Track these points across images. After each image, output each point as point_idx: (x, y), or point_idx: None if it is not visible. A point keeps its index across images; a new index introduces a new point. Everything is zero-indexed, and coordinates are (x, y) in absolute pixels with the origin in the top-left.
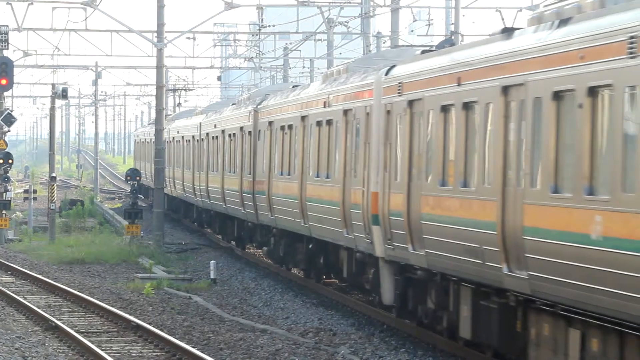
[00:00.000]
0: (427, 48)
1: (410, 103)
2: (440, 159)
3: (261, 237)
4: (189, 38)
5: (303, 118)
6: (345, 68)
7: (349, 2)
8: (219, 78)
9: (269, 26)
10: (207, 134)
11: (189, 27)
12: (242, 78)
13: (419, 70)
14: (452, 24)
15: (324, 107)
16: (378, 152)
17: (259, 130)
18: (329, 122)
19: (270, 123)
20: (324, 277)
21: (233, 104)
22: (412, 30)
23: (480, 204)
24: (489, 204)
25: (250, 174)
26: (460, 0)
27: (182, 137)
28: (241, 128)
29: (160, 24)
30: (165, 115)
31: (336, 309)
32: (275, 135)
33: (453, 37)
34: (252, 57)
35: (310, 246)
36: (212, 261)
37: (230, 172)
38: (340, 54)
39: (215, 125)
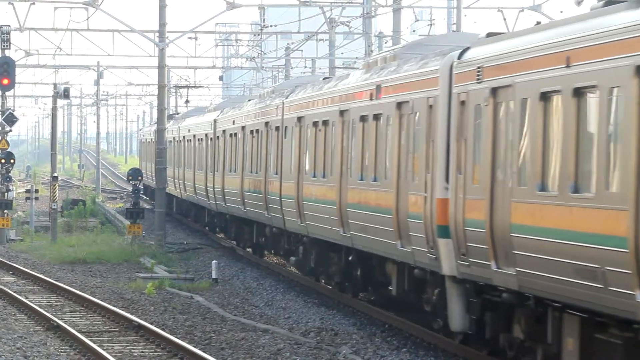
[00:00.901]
0: (493, 31)
1: (494, 91)
2: (538, 158)
3: (288, 245)
4: (190, 38)
5: (342, 113)
6: (392, 55)
7: (351, 2)
8: (221, 78)
9: (271, 26)
10: (224, 131)
11: (190, 27)
12: (243, 78)
13: (506, 50)
14: (453, 23)
15: (370, 99)
16: (447, 151)
17: (286, 127)
18: (376, 117)
19: (299, 119)
20: (363, 293)
21: (249, 100)
22: (413, 30)
23: (604, 215)
24: (617, 215)
25: (276, 174)
26: (462, 0)
27: (194, 135)
28: (266, 124)
29: (162, 24)
30: (174, 114)
31: (338, 308)
32: (306, 131)
33: None
34: (253, 57)
35: (349, 258)
36: (214, 261)
37: (251, 173)
38: (342, 53)
39: (233, 122)
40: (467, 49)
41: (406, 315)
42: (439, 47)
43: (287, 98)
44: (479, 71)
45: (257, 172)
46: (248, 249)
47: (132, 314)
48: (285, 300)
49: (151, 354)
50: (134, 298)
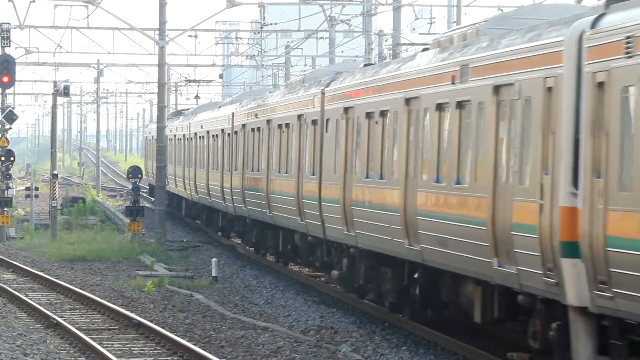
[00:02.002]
0: None
1: None
2: None
3: (327, 256)
4: (190, 36)
5: (409, 101)
6: (474, 31)
7: (351, 1)
8: (221, 76)
9: (271, 24)
10: (244, 126)
11: (190, 25)
12: (243, 76)
13: None
14: (454, 22)
15: (452, 83)
16: (578, 148)
17: (327, 120)
18: (461, 105)
19: (347, 110)
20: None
21: (268, 93)
22: (414, 29)
23: None
24: None
25: (314, 175)
26: None
27: (207, 132)
28: (299, 117)
29: (162, 22)
30: (183, 110)
31: (337, 306)
32: (355, 124)
33: None
34: (254, 55)
35: (416, 275)
36: (214, 259)
37: (279, 173)
38: (342, 52)
39: (256, 115)
40: (601, 15)
41: (487, 344)
42: (529, 20)
43: (327, 86)
44: (628, 42)
45: (287, 172)
46: (270, 257)
47: (131, 311)
48: (285, 298)
49: (151, 351)
50: (133, 296)
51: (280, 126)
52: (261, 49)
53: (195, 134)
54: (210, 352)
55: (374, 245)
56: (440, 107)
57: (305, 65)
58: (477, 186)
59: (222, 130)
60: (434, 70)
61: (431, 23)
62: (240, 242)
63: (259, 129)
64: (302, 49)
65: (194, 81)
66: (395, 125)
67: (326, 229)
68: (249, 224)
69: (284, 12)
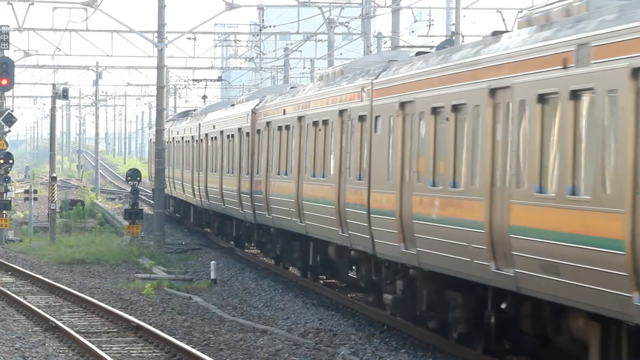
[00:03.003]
0: None
1: None
2: None
3: (376, 275)
4: (189, 38)
5: (494, 92)
6: (584, 4)
7: (350, 3)
8: (220, 78)
9: (270, 26)
10: (268, 124)
11: (189, 28)
12: (242, 78)
13: None
14: (452, 24)
15: (564, 68)
16: None
17: (378, 117)
18: (576, 95)
19: (403, 105)
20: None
21: (292, 88)
22: (412, 31)
23: None
24: None
25: (360, 180)
26: (461, 0)
27: (221, 132)
28: (342, 112)
29: (161, 24)
30: (191, 111)
31: (336, 309)
32: (416, 122)
33: (454, 38)
34: (252, 58)
35: (503, 305)
36: (213, 262)
37: (314, 177)
38: (341, 54)
39: (284, 111)
40: None
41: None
42: None
43: (377, 78)
44: None
45: (324, 176)
46: (294, 269)
47: (130, 314)
48: (284, 301)
49: (150, 354)
50: (132, 299)
51: (315, 123)
52: (260, 51)
53: (206, 134)
54: (209, 355)
55: (443, 267)
56: (543, 99)
57: (304, 67)
58: (604, 200)
59: (240, 129)
60: (532, 52)
61: (430, 25)
62: (258, 251)
63: (287, 127)
64: (301, 51)
65: (200, 80)
66: (475, 122)
67: (376, 245)
68: (273, 233)
69: (282, 15)
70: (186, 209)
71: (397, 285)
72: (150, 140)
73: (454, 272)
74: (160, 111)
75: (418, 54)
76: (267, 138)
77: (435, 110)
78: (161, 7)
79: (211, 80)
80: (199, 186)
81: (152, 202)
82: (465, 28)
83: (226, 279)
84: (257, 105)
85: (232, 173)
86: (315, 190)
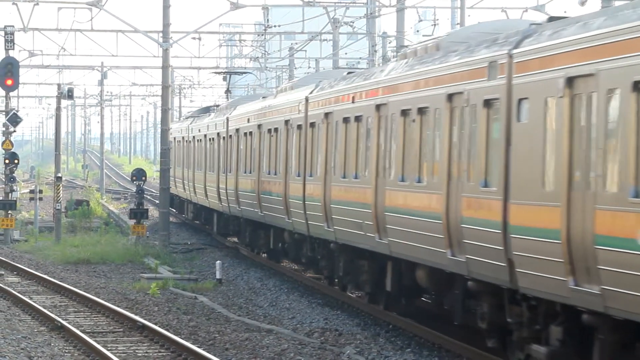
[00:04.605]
0: None
1: None
2: None
3: (514, 315)
4: (194, 38)
5: None
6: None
7: (355, 2)
8: (225, 78)
9: (275, 26)
10: (327, 115)
11: (194, 27)
12: (247, 79)
13: None
14: (457, 23)
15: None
16: None
17: (521, 100)
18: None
19: (571, 81)
20: None
21: (359, 69)
22: (417, 30)
23: None
24: None
25: (487, 186)
26: (466, 0)
27: (259, 125)
28: (449, 97)
29: (166, 24)
30: (212, 107)
31: (342, 309)
32: (601, 105)
33: None
34: (257, 57)
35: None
36: (218, 261)
37: (404, 182)
38: (346, 54)
39: (352, 99)
40: None
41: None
42: None
43: (517, 47)
44: None
45: (419, 181)
46: (358, 294)
47: (136, 314)
48: (289, 301)
49: (155, 354)
50: (138, 298)
51: (405, 113)
52: (265, 51)
53: (237, 130)
54: (214, 355)
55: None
56: None
57: (309, 67)
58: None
59: (287, 122)
60: None
61: (435, 25)
62: (291, 264)
63: (358, 118)
64: (305, 51)
65: (223, 73)
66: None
67: (519, 277)
68: (335, 249)
69: (287, 14)
70: (208, 215)
71: (553, 333)
72: (175, 138)
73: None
74: (165, 111)
75: (551, 19)
76: (326, 132)
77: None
78: (166, 7)
79: (235, 73)
80: (226, 190)
81: (174, 211)
82: None
83: (231, 279)
84: (311, 92)
85: (276, 175)
86: (407, 199)
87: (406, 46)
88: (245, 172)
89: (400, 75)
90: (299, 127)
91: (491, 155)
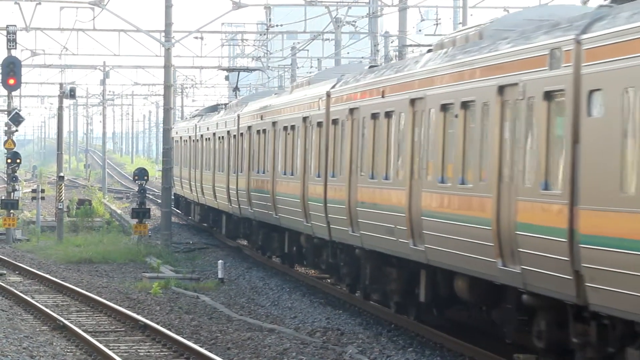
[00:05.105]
0: None
1: None
2: None
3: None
4: (196, 38)
5: None
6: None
7: (357, 2)
8: (227, 77)
9: (277, 26)
10: (352, 110)
11: (196, 27)
12: (249, 78)
13: None
14: (460, 23)
15: None
16: None
17: (591, 92)
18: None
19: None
20: None
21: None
22: (419, 30)
23: None
24: None
25: (547, 188)
26: None
27: (273, 123)
28: (502, 89)
29: (168, 24)
30: (219, 105)
31: (344, 308)
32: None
33: None
34: (259, 57)
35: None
36: (220, 261)
37: (444, 183)
38: (348, 53)
39: (382, 93)
40: None
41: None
42: None
43: (584, 31)
44: None
45: (463, 183)
46: (380, 304)
47: (138, 313)
48: (292, 300)
49: (157, 353)
50: (140, 298)
51: (445, 107)
52: (267, 50)
53: (249, 127)
54: (216, 354)
55: None
56: None
57: (311, 67)
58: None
59: (305, 118)
60: None
61: (437, 24)
62: (325, 275)
63: (389, 113)
64: (307, 50)
65: (235, 70)
66: None
67: (588, 292)
68: (360, 256)
69: (289, 14)
70: (216, 217)
71: (632, 357)
72: (181, 137)
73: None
74: (167, 110)
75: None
76: (351, 129)
77: None
78: (168, 6)
79: (244, 70)
80: (237, 191)
81: (179, 212)
82: None
83: (233, 278)
84: (333, 87)
85: (292, 175)
86: (448, 202)
87: (430, 45)
88: (258, 172)
89: (440, 66)
90: (319, 124)
91: (553, 155)
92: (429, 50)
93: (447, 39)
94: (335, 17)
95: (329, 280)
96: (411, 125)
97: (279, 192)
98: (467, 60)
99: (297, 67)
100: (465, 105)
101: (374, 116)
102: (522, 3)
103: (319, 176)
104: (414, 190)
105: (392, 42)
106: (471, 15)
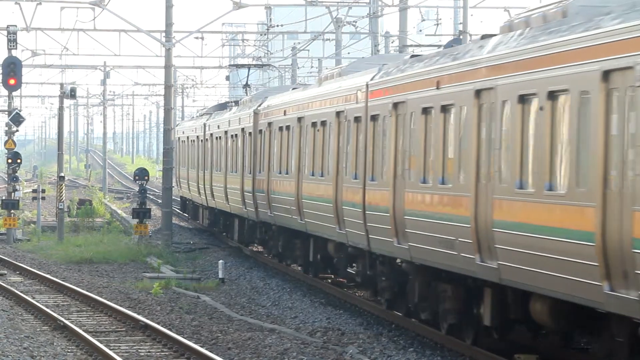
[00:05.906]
0: None
1: None
2: None
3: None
4: (197, 38)
5: None
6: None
7: (357, 2)
8: (227, 78)
9: (278, 26)
10: (396, 105)
11: (197, 27)
12: (250, 78)
13: None
14: (460, 23)
15: None
16: None
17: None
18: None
19: None
20: None
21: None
22: (420, 30)
23: None
24: None
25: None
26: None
27: (299, 118)
28: (607, 74)
29: (169, 24)
30: (229, 102)
31: (344, 308)
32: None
33: (461, 37)
34: (260, 57)
35: None
36: (221, 261)
37: (524, 189)
38: (349, 53)
39: (437, 84)
40: None
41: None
42: None
43: None
44: None
45: (554, 189)
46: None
47: (138, 313)
48: (292, 300)
49: (158, 353)
50: (140, 298)
51: (524, 99)
52: (268, 50)
53: (269, 124)
54: (217, 354)
55: None
56: None
57: (312, 67)
58: None
59: (339, 113)
60: None
61: (437, 24)
62: (359, 288)
63: (446, 107)
64: (308, 50)
65: (244, 66)
66: None
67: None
68: (408, 270)
69: (290, 14)
70: (227, 221)
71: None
72: (177, 138)
73: None
74: (167, 110)
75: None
76: (395, 126)
77: None
78: (169, 6)
79: (254, 66)
80: (253, 194)
81: (182, 213)
82: (473, 27)
83: (234, 278)
84: (372, 78)
85: (322, 177)
86: (529, 212)
87: (490, 35)
88: (280, 173)
89: (516, 50)
90: (357, 119)
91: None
92: (483, 37)
93: (517, 20)
94: (335, 17)
95: (361, 294)
96: (476, 120)
97: (305, 195)
98: (554, 42)
99: (298, 67)
100: (553, 95)
101: (425, 111)
102: (522, 3)
103: (356, 178)
104: (481, 198)
105: (392, 42)
106: (472, 15)
